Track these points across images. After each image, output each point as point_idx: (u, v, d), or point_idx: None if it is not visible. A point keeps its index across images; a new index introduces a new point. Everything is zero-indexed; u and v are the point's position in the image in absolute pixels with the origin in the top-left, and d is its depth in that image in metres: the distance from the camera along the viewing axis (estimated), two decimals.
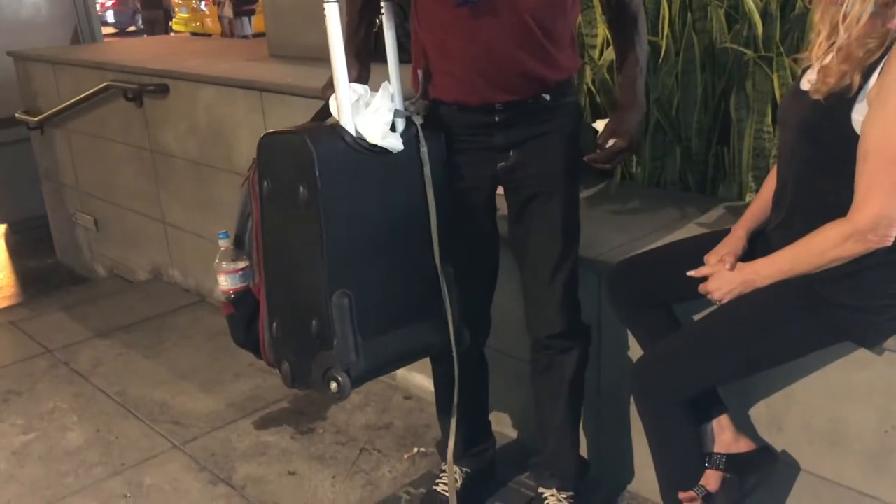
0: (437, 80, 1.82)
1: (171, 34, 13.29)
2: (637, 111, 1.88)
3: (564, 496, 2.06)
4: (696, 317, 1.85)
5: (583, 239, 1.98)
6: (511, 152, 1.84)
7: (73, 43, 5.85)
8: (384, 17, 1.82)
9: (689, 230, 2.18)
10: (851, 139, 1.46)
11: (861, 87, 1.44)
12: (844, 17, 1.42)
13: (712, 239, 1.80)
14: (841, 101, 1.46)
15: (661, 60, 2.45)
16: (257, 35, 10.05)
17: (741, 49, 2.27)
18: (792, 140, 1.60)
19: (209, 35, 12.51)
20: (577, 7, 1.82)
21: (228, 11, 11.54)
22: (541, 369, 2.03)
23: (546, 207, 1.88)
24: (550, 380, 2.02)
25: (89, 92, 3.88)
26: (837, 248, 1.48)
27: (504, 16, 1.67)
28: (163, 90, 3.50)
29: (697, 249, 1.78)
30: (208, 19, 13.63)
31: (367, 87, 1.79)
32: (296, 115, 2.75)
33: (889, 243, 1.45)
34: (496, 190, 1.94)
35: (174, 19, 14.15)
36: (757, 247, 1.73)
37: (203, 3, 13.97)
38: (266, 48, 3.78)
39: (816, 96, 1.49)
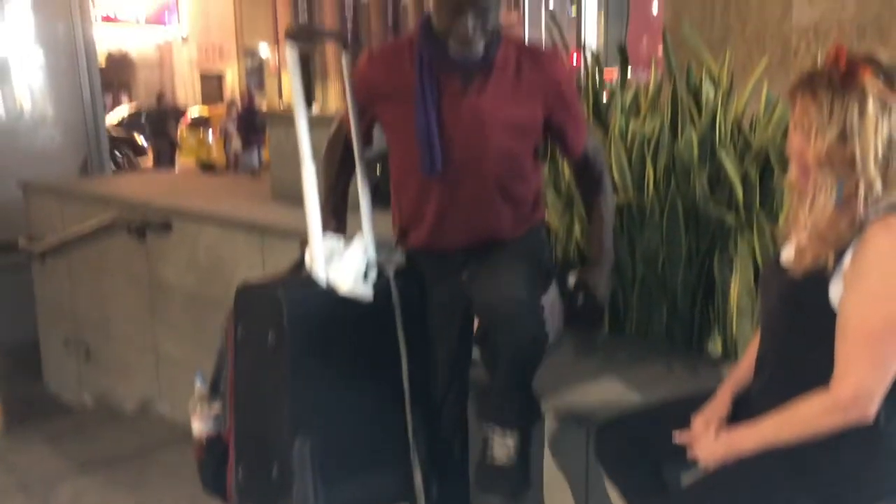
0: (409, 232, 1.99)
1: (177, 165, 13.60)
2: (604, 263, 2.08)
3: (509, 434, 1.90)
4: (685, 475, 1.85)
5: (571, 392, 2.01)
6: (469, 258, 1.97)
7: (81, 171, 6.04)
8: (358, 178, 2.02)
9: (677, 385, 2.21)
10: (830, 314, 1.51)
11: (836, 265, 1.50)
12: (811, 206, 1.51)
13: (699, 400, 1.83)
14: (818, 278, 1.52)
15: (647, 219, 2.55)
16: (266, 165, 10.21)
17: (723, 213, 2.38)
18: (772, 311, 1.66)
19: (214, 166, 12.83)
20: (539, 172, 2.06)
21: (237, 144, 11.81)
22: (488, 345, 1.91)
23: (500, 256, 1.93)
24: (496, 348, 1.86)
25: (93, 225, 3.98)
26: (819, 419, 1.51)
27: (468, 182, 1.85)
28: (166, 227, 3.60)
29: (685, 410, 1.80)
30: (214, 151, 14.07)
31: (342, 237, 1.93)
32: (295, 256, 2.82)
33: (869, 419, 1.48)
34: (472, 324, 2.01)
35: (180, 149, 14.57)
36: (741, 410, 1.75)
37: (210, 135, 14.44)
38: (268, 187, 3.91)
39: (794, 274, 1.56)
